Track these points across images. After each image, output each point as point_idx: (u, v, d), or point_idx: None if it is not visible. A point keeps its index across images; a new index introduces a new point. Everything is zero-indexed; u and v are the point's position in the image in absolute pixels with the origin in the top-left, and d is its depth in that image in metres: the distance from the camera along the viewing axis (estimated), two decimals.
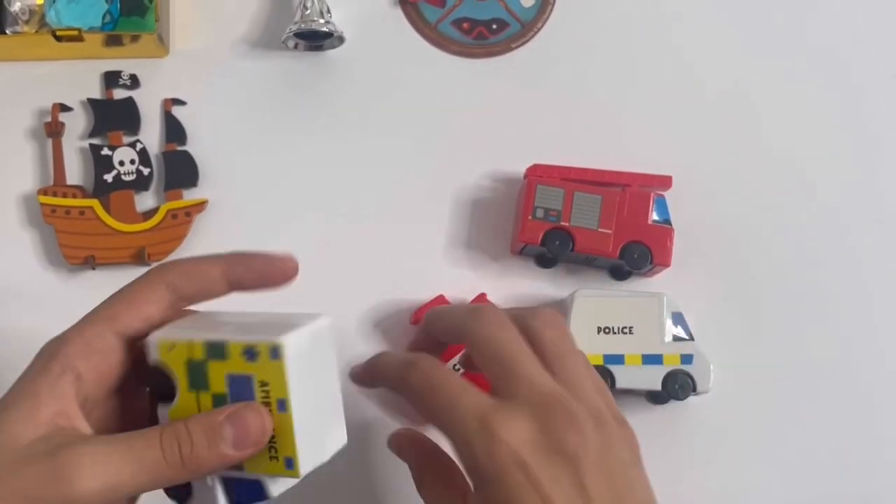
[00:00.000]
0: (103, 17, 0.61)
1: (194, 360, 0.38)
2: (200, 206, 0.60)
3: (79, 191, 0.60)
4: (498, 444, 0.39)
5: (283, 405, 0.37)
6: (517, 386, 0.41)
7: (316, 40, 0.63)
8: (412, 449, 0.47)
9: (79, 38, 0.60)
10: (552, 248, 0.57)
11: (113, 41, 0.61)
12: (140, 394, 0.42)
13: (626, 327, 0.56)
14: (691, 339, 0.57)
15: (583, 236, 0.58)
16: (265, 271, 0.42)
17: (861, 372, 0.60)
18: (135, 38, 0.61)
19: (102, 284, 0.59)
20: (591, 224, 0.58)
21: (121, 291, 0.41)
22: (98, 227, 0.59)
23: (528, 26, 0.65)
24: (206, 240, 0.60)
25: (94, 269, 0.59)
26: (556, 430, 0.40)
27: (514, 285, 0.60)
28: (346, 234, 0.60)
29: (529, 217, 0.58)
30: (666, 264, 0.58)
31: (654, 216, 0.58)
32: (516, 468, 0.39)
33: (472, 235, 0.61)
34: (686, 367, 0.56)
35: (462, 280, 0.60)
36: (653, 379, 0.56)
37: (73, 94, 0.62)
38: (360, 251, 0.60)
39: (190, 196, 0.61)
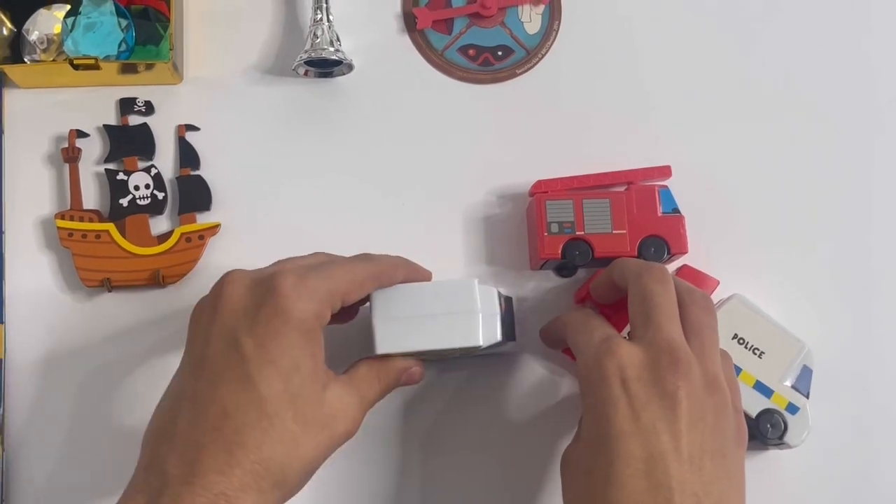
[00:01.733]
0: (119, 46, 0.63)
1: None
2: (214, 229, 0.61)
3: (95, 215, 0.61)
4: (610, 356, 0.46)
5: None
6: (647, 329, 0.48)
7: (326, 67, 0.64)
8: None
9: (95, 67, 0.61)
10: (573, 258, 0.59)
11: (128, 69, 0.63)
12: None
13: (758, 349, 0.57)
14: (807, 396, 0.57)
15: (600, 241, 0.59)
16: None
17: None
18: (150, 66, 0.62)
19: (118, 306, 0.61)
20: (605, 228, 0.59)
21: (346, 273, 0.48)
22: (114, 250, 0.60)
23: (532, 52, 0.66)
24: (219, 262, 0.61)
25: (110, 291, 0.60)
26: (661, 367, 0.46)
27: (539, 297, 0.62)
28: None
29: (545, 234, 0.59)
30: (683, 252, 0.59)
31: (663, 208, 0.60)
32: (617, 379, 0.46)
33: (490, 251, 0.63)
34: (787, 414, 0.57)
35: None
36: (752, 406, 0.56)
37: (89, 120, 0.63)
38: None
39: (203, 220, 0.62)
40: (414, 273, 0.53)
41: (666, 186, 0.60)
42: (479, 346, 0.50)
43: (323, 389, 0.46)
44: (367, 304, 0.51)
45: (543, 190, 0.60)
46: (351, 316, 0.54)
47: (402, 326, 0.50)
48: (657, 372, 0.46)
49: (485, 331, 0.50)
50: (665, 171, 0.61)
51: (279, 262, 0.50)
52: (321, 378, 0.46)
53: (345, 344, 0.53)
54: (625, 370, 0.46)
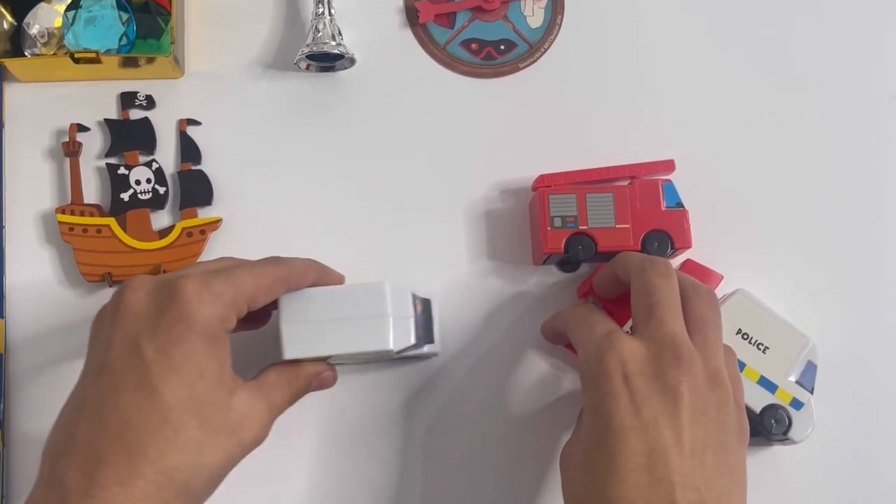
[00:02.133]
0: (120, 40, 0.63)
1: None
2: (215, 224, 0.61)
3: (96, 209, 0.61)
4: (612, 351, 0.46)
5: None
6: (650, 324, 0.48)
7: (327, 62, 0.64)
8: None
9: (96, 60, 0.61)
10: (576, 253, 0.58)
11: (129, 63, 0.62)
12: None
13: (762, 344, 0.57)
14: (811, 392, 0.57)
15: (603, 236, 0.59)
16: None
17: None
18: (150, 60, 0.62)
19: None
20: (608, 223, 0.59)
21: (253, 276, 0.47)
22: (115, 244, 0.60)
23: (535, 47, 0.66)
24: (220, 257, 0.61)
25: (111, 286, 0.60)
26: (663, 362, 0.45)
27: (541, 292, 0.62)
28: (362, 251, 0.61)
29: (548, 228, 0.59)
30: (687, 246, 0.59)
31: (667, 202, 0.60)
32: (619, 374, 0.45)
33: (492, 246, 0.63)
34: (792, 410, 0.56)
35: (489, 290, 0.62)
36: (757, 401, 0.56)
37: (90, 114, 0.63)
38: (378, 268, 0.61)
39: (205, 214, 0.62)
40: (325, 276, 0.52)
41: (669, 181, 0.60)
42: (391, 350, 0.49)
43: (229, 395, 0.45)
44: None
45: (546, 184, 0.60)
46: (263, 321, 0.53)
47: (311, 331, 0.49)
48: (659, 367, 0.45)
49: (396, 335, 0.49)
50: (669, 166, 0.61)
51: (182, 268, 0.49)
52: (227, 384, 0.45)
53: (258, 350, 0.53)
54: (626, 365, 0.46)
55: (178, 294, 0.44)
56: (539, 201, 0.59)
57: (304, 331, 0.49)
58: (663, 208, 0.60)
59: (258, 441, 0.47)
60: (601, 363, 0.46)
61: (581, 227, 0.59)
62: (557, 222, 0.59)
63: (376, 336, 0.49)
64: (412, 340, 0.51)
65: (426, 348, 0.56)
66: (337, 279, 0.53)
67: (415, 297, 0.53)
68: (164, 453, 0.42)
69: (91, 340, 0.47)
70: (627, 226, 0.59)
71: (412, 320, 0.52)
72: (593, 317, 0.51)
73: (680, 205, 0.60)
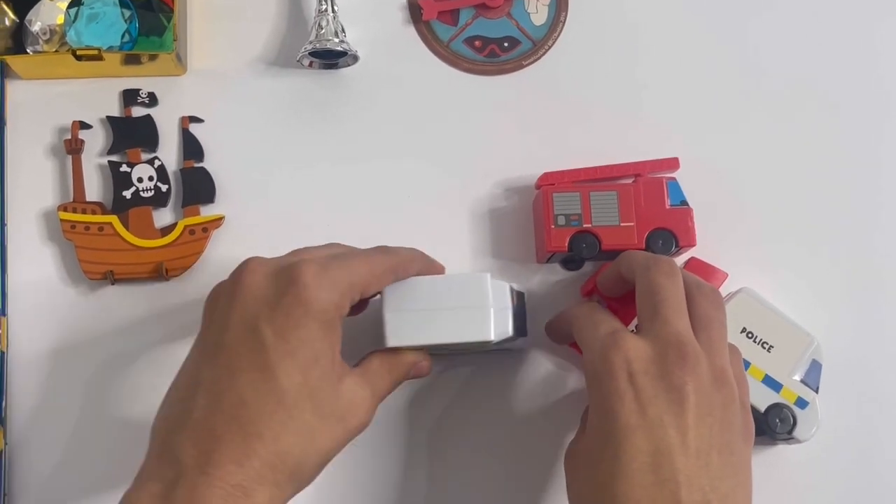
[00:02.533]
0: (122, 37, 0.62)
1: None
2: (217, 221, 0.61)
3: (98, 207, 0.61)
4: (617, 350, 0.46)
5: None
6: (654, 323, 0.47)
7: (330, 59, 0.64)
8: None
9: (98, 58, 0.61)
10: (580, 251, 0.58)
11: (131, 60, 0.62)
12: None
13: (767, 343, 0.57)
14: (816, 391, 0.57)
15: (607, 234, 0.58)
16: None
17: None
18: (153, 57, 0.62)
19: (121, 299, 0.61)
20: (612, 221, 0.58)
21: (367, 264, 0.48)
22: (117, 242, 0.60)
23: (539, 44, 0.66)
24: (223, 255, 0.61)
25: (113, 283, 0.60)
26: (669, 361, 0.45)
27: (545, 290, 0.62)
28: (365, 247, 0.61)
29: (552, 226, 0.58)
30: (691, 245, 0.59)
31: (671, 200, 0.59)
32: (624, 373, 0.45)
33: (496, 244, 0.62)
34: (796, 409, 0.56)
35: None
36: (761, 400, 0.56)
37: (92, 111, 0.63)
38: None
39: (207, 212, 0.62)
40: (429, 266, 0.52)
41: (674, 179, 0.60)
42: (491, 341, 0.49)
43: (339, 382, 0.46)
44: (378, 296, 0.50)
45: (550, 182, 0.60)
46: (361, 308, 0.54)
47: (412, 320, 0.49)
48: (664, 366, 0.45)
49: (496, 326, 0.50)
50: (673, 164, 0.61)
51: (297, 251, 0.50)
52: (338, 371, 0.46)
53: (354, 336, 0.52)
54: (631, 364, 0.46)
55: (297, 279, 0.44)
56: (543, 199, 0.59)
57: (406, 319, 0.49)
58: (667, 206, 0.59)
59: (363, 427, 0.47)
60: (606, 362, 0.46)
61: (585, 226, 0.59)
62: (561, 220, 0.59)
63: (477, 327, 0.49)
64: (510, 332, 0.52)
65: (520, 341, 0.56)
66: (439, 269, 0.54)
67: (512, 290, 0.54)
68: (278, 436, 0.43)
69: (205, 320, 0.48)
70: (632, 224, 0.59)
71: (510, 312, 0.52)
72: (598, 315, 0.51)
73: (684, 203, 0.59)
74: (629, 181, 0.60)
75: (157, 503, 0.41)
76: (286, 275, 0.45)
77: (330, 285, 0.45)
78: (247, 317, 0.44)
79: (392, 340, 0.49)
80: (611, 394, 0.45)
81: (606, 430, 0.45)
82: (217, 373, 0.44)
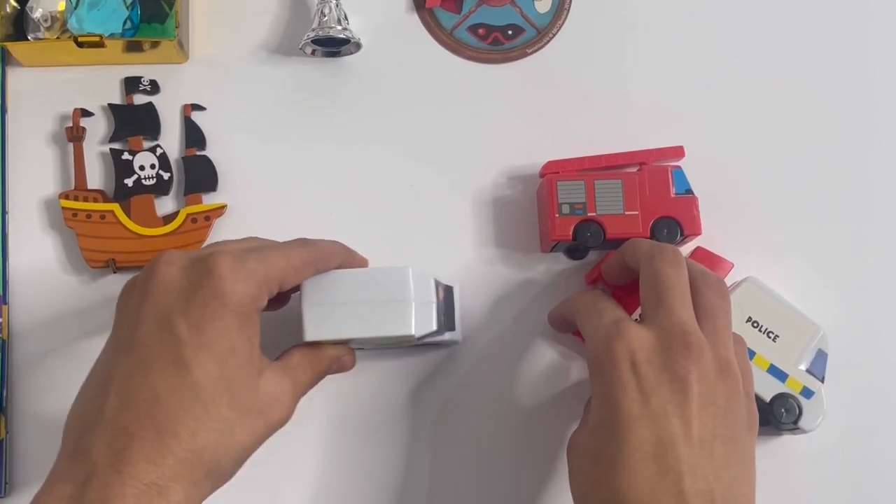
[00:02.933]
0: (124, 24, 0.62)
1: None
2: (220, 210, 0.61)
3: (100, 195, 0.60)
4: (620, 339, 0.46)
5: None
6: (658, 312, 0.47)
7: (333, 46, 0.63)
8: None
9: (100, 45, 0.61)
10: (584, 240, 0.58)
11: (133, 47, 0.62)
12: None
13: (773, 332, 0.57)
14: (821, 380, 0.56)
15: (612, 223, 0.58)
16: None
17: None
18: (155, 45, 0.61)
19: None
20: (616, 209, 0.58)
21: (285, 257, 0.47)
22: (119, 230, 0.60)
23: (543, 32, 0.65)
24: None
25: (115, 272, 0.60)
26: (672, 350, 0.45)
27: (549, 279, 0.61)
28: (367, 237, 0.60)
29: (556, 215, 0.58)
30: (696, 233, 0.59)
31: (676, 189, 0.59)
32: (627, 363, 0.45)
33: (500, 234, 0.62)
34: (802, 399, 0.56)
35: (497, 277, 0.61)
36: (766, 389, 0.56)
37: (93, 99, 0.63)
38: (385, 254, 0.60)
39: (209, 200, 0.61)
40: (350, 259, 0.52)
41: (679, 167, 0.60)
42: (412, 336, 0.49)
43: (258, 375, 0.45)
44: (298, 291, 0.50)
45: (554, 171, 0.60)
46: (282, 303, 0.53)
47: (332, 313, 0.49)
48: (668, 355, 0.45)
49: (418, 320, 0.49)
50: (678, 152, 0.60)
51: (214, 244, 0.49)
52: (256, 364, 0.45)
53: (276, 332, 0.52)
54: (635, 353, 0.45)
55: (212, 271, 0.44)
56: (547, 188, 0.59)
57: (325, 313, 0.49)
58: (672, 195, 0.59)
59: (283, 421, 0.47)
60: (609, 351, 0.46)
61: (590, 214, 0.58)
62: (566, 209, 0.58)
63: (398, 321, 0.49)
64: (434, 327, 0.51)
65: (447, 335, 0.55)
66: (361, 262, 0.53)
67: (437, 284, 0.53)
68: (194, 432, 0.42)
69: (118, 314, 0.47)
70: (636, 212, 0.58)
71: (434, 306, 0.51)
72: (601, 304, 0.51)
73: (689, 191, 0.59)
74: (634, 170, 0.60)
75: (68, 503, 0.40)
76: (201, 266, 0.44)
77: (246, 277, 0.44)
78: (160, 310, 0.44)
79: (310, 334, 0.48)
80: (613, 383, 0.45)
81: (609, 420, 0.45)
82: (129, 369, 0.43)
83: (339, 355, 0.51)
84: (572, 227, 0.58)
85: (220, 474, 0.44)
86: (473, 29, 0.65)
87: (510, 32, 0.65)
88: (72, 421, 0.44)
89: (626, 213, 0.58)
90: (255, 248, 0.47)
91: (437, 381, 0.60)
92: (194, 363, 0.42)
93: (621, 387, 0.45)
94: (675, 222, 0.58)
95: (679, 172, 0.59)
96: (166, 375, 0.42)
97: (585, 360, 0.55)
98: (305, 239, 0.50)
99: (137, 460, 0.40)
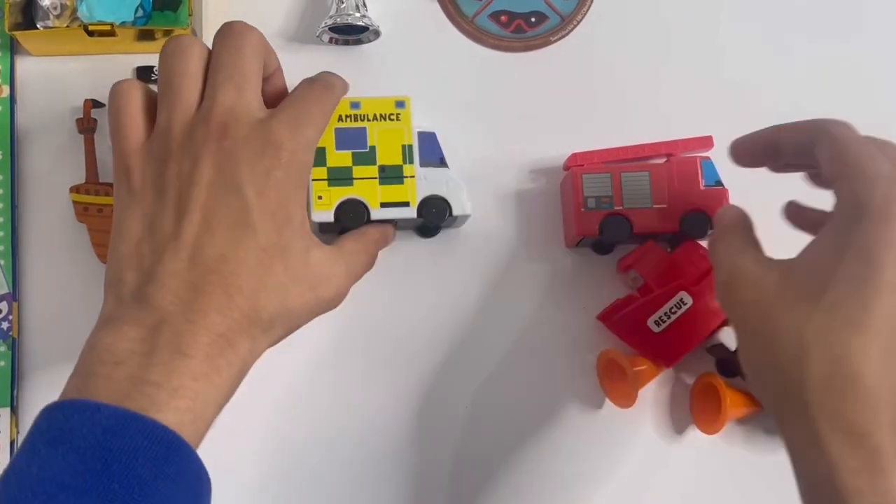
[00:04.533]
0: (135, 12, 0.60)
1: None
2: None
3: (111, 188, 0.59)
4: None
5: None
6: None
7: (351, 34, 0.61)
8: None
9: (111, 33, 0.59)
10: (611, 234, 0.56)
11: (145, 36, 0.60)
12: None
13: None
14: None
15: (639, 217, 0.56)
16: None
17: None
18: (167, 33, 0.60)
19: None
20: (644, 203, 0.57)
21: (323, 113, 0.50)
22: None
23: (567, 19, 0.63)
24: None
25: None
26: None
27: (575, 275, 0.60)
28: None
29: (582, 209, 0.56)
30: None
31: (705, 181, 0.57)
32: None
33: (522, 228, 0.60)
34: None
35: (520, 274, 0.60)
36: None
37: (105, 89, 0.59)
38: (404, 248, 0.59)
39: None
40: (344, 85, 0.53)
41: (708, 158, 0.58)
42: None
43: (307, 250, 0.47)
44: None
45: (579, 163, 0.58)
46: None
47: None
48: None
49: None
50: (707, 143, 0.58)
51: (246, 83, 0.48)
52: (306, 237, 0.47)
53: None
54: None
55: (279, 142, 0.45)
56: (572, 181, 0.57)
57: None
58: (702, 187, 0.57)
59: (335, 303, 0.49)
60: (890, 206, 0.41)
61: (616, 208, 0.56)
62: (591, 203, 0.56)
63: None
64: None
65: (457, 210, 0.56)
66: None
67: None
68: (256, 292, 0.44)
69: (164, 129, 0.47)
70: (664, 206, 0.57)
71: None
72: (874, 148, 0.44)
73: (719, 183, 0.57)
74: (661, 161, 0.58)
75: (138, 346, 0.41)
76: (266, 135, 0.46)
77: (305, 144, 0.47)
78: (227, 172, 0.45)
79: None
80: (880, 241, 0.40)
81: (858, 276, 0.40)
82: (194, 228, 0.44)
83: (386, 232, 0.54)
84: (598, 222, 0.56)
85: (273, 335, 0.45)
86: (496, 16, 0.63)
87: (533, 20, 0.63)
88: (123, 272, 0.44)
89: (654, 206, 0.57)
90: (300, 108, 0.48)
91: (458, 377, 0.59)
92: (259, 227, 0.44)
93: (890, 248, 0.40)
94: (704, 215, 0.57)
95: (708, 164, 0.57)
96: (233, 237, 0.44)
97: (828, 174, 0.46)
98: (320, 79, 0.51)
99: (208, 311, 0.42)
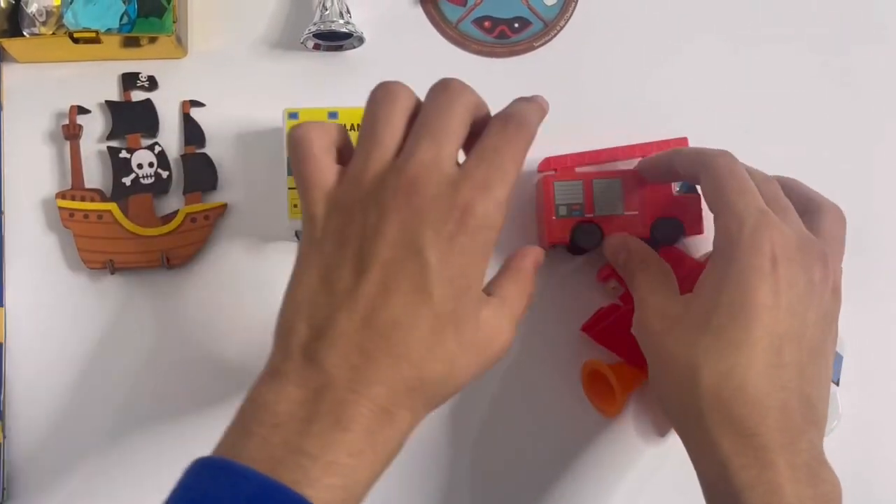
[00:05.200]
0: (121, 19, 0.61)
1: None
2: (220, 209, 0.59)
3: (97, 194, 0.59)
4: (769, 229, 0.46)
5: None
6: (787, 216, 0.49)
7: (335, 41, 0.62)
8: (625, 249, 0.56)
9: (96, 40, 0.59)
10: (582, 241, 0.56)
11: (130, 42, 0.60)
12: None
13: None
14: (836, 384, 0.56)
15: (610, 224, 0.57)
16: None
17: None
18: (153, 40, 0.60)
19: (121, 288, 0.59)
20: (615, 210, 0.57)
21: (515, 165, 0.45)
22: (117, 231, 0.58)
23: (550, 25, 0.64)
24: (225, 244, 0.60)
25: (113, 273, 0.58)
26: (812, 255, 0.47)
27: (551, 275, 0.60)
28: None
29: (553, 217, 0.57)
30: (699, 233, 0.57)
31: (678, 186, 0.57)
32: (767, 258, 0.46)
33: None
34: None
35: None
36: None
37: (90, 96, 0.61)
38: None
39: (209, 199, 0.60)
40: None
41: None
42: None
43: (480, 311, 0.43)
44: None
45: (552, 167, 0.58)
46: None
47: None
48: (807, 259, 0.47)
49: None
50: (681, 144, 0.58)
51: (430, 139, 0.44)
52: (482, 300, 0.44)
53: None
54: (777, 247, 0.46)
55: (466, 206, 0.42)
56: (543, 188, 0.57)
57: None
58: (675, 193, 0.57)
59: (504, 353, 0.45)
60: (756, 237, 0.46)
61: (587, 215, 0.57)
62: (563, 210, 0.57)
63: None
64: None
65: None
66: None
67: None
68: (423, 361, 0.41)
69: (353, 179, 0.44)
70: (636, 212, 0.57)
71: None
72: (748, 183, 0.49)
73: (692, 189, 0.57)
74: (635, 166, 0.58)
75: (299, 410, 0.40)
76: (453, 197, 0.42)
77: (495, 209, 0.43)
78: (411, 233, 0.42)
79: None
80: (752, 269, 0.46)
81: (736, 303, 0.46)
82: (371, 288, 0.41)
83: (538, 257, 0.49)
84: (569, 230, 0.57)
85: (435, 404, 0.43)
86: (479, 22, 0.64)
87: (517, 25, 0.64)
88: (295, 321, 0.42)
89: (626, 213, 0.57)
90: (487, 155, 0.44)
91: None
92: (437, 294, 0.41)
93: (760, 275, 0.46)
94: (677, 222, 0.57)
95: None
96: (409, 302, 0.41)
97: (706, 204, 0.52)
98: (507, 118, 0.46)
99: (373, 382, 0.40)
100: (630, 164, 0.58)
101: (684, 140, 0.59)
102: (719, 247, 0.48)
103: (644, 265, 0.54)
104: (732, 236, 0.47)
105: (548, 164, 0.58)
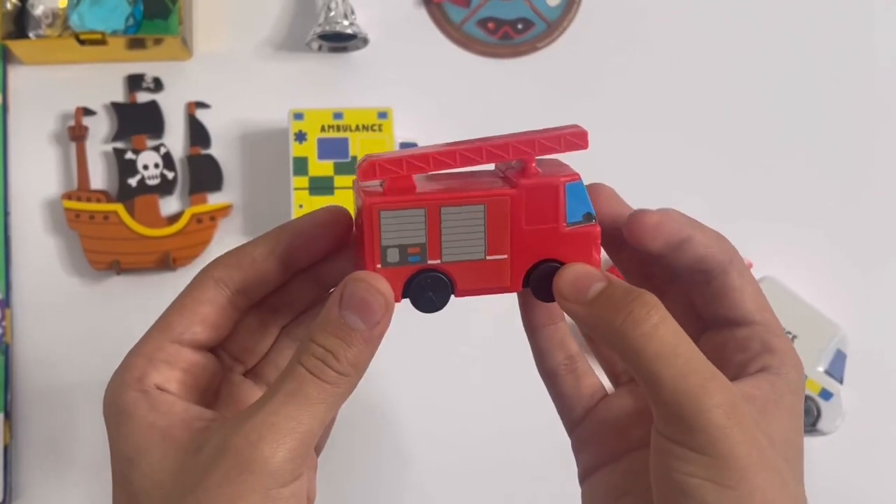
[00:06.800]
0: (126, 21, 0.61)
1: None
2: (225, 210, 0.60)
3: (103, 195, 0.59)
4: (745, 435, 0.31)
5: None
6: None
7: (340, 42, 0.62)
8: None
9: (102, 42, 0.59)
10: (422, 302, 0.34)
11: (136, 44, 0.61)
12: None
13: (791, 332, 0.55)
14: (840, 382, 0.56)
15: (465, 274, 0.34)
16: (314, 234, 0.35)
17: None
18: (158, 41, 0.60)
19: (127, 289, 0.59)
20: (474, 253, 0.34)
21: (176, 299, 0.36)
22: (122, 231, 0.59)
23: (553, 26, 0.64)
24: (231, 244, 0.59)
25: (118, 273, 0.59)
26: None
27: None
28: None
29: (378, 266, 0.33)
30: None
31: (570, 216, 0.34)
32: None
33: None
34: (820, 400, 0.55)
35: None
36: None
37: (96, 97, 0.62)
38: None
39: (214, 200, 0.60)
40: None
41: (577, 179, 0.34)
42: None
43: None
44: None
45: (372, 175, 0.32)
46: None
47: None
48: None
49: None
50: (578, 138, 0.34)
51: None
52: None
53: None
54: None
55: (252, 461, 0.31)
56: (366, 221, 0.32)
57: None
58: (564, 226, 0.34)
59: None
60: (735, 444, 0.31)
61: (430, 262, 0.34)
62: (392, 256, 0.33)
63: None
64: None
65: None
66: None
67: None
68: None
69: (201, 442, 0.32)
70: (505, 256, 0.34)
71: None
72: (701, 366, 0.32)
73: (590, 216, 0.34)
74: (508, 188, 0.33)
75: None
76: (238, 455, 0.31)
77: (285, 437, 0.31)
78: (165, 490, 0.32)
79: None
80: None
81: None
82: None
83: None
84: (402, 283, 0.33)
85: None
86: (483, 23, 0.64)
87: (520, 26, 0.64)
88: None
89: (488, 257, 0.34)
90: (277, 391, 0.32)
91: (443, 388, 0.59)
92: None
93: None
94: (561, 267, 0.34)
95: (575, 187, 0.34)
96: None
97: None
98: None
99: None
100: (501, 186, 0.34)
101: (582, 134, 0.34)
102: (678, 436, 0.32)
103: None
104: (691, 428, 0.31)
105: (371, 169, 0.32)
